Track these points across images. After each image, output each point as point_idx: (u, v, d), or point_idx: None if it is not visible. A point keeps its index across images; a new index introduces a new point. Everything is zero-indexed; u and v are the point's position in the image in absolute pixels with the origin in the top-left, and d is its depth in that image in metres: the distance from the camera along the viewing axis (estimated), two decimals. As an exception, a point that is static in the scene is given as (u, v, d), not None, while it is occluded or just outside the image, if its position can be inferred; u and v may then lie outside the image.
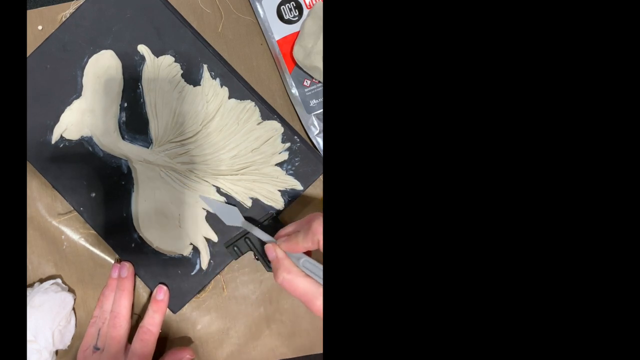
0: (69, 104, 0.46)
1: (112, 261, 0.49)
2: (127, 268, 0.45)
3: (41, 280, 0.48)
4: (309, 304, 0.35)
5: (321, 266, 0.36)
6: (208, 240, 0.46)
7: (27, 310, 0.44)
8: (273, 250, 0.38)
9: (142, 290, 0.49)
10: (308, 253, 0.39)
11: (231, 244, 0.46)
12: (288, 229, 0.40)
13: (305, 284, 0.36)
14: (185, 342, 0.49)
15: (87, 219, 0.46)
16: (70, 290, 0.48)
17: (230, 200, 0.46)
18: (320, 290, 0.35)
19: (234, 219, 0.45)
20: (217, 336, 0.49)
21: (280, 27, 0.48)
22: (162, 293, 0.45)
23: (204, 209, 0.46)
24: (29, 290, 0.46)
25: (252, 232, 0.42)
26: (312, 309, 0.35)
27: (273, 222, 0.46)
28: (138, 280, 0.48)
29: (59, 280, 0.48)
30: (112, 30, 0.46)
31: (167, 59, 0.46)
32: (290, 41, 0.48)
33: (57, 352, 0.47)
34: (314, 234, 0.35)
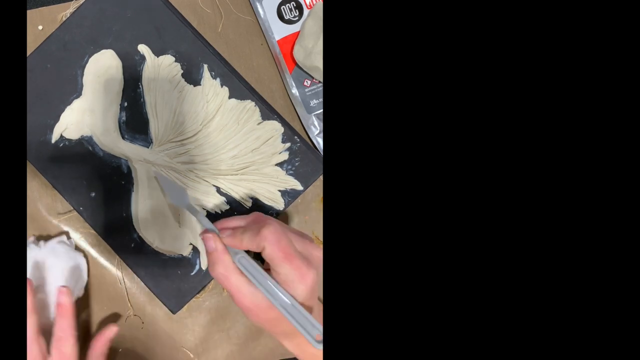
0: (69, 103, 0.46)
1: (108, 264, 0.49)
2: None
3: (44, 238, 0.48)
4: (237, 298, 0.36)
5: (257, 265, 0.36)
6: (208, 240, 0.46)
7: (41, 273, 0.45)
8: (213, 242, 0.37)
9: (137, 291, 0.49)
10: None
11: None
12: (232, 222, 0.39)
13: (238, 282, 0.36)
14: (185, 342, 0.49)
15: (87, 219, 0.46)
16: (77, 248, 0.49)
17: (230, 201, 0.46)
18: (251, 288, 0.36)
19: (179, 199, 0.44)
20: (217, 336, 0.49)
21: (281, 27, 0.48)
22: (62, 295, 0.43)
23: (204, 209, 0.46)
24: (33, 247, 0.46)
25: (197, 217, 0.41)
26: (238, 303, 0.36)
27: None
28: (134, 281, 0.48)
29: (64, 238, 0.48)
30: (112, 29, 0.46)
31: (168, 59, 0.46)
32: (290, 41, 0.48)
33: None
34: (262, 240, 0.35)
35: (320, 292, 0.38)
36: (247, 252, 0.38)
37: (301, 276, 0.35)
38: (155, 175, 0.46)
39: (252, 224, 0.38)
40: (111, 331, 0.45)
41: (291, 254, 0.35)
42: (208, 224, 0.39)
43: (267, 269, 0.37)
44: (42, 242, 0.47)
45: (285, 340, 0.38)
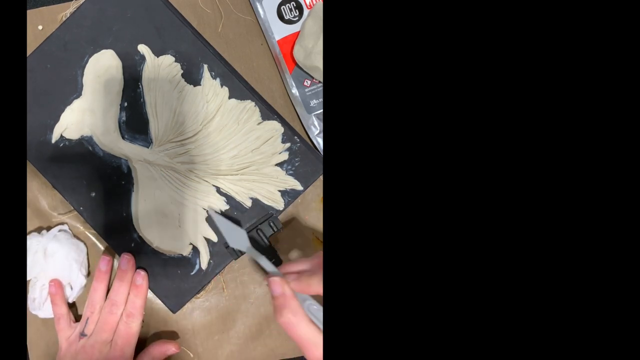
0: (69, 103, 0.46)
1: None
2: (128, 260, 0.46)
3: (48, 229, 0.49)
4: (307, 351, 0.34)
5: None
6: (208, 240, 0.46)
7: (45, 258, 0.46)
8: (280, 286, 0.35)
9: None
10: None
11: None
12: (297, 266, 0.37)
13: (308, 331, 0.34)
14: (185, 342, 0.49)
15: (87, 219, 0.46)
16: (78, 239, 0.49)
17: (230, 201, 0.46)
18: (322, 339, 0.33)
19: (239, 242, 0.42)
20: (217, 336, 0.49)
21: (281, 27, 0.48)
22: (140, 278, 0.46)
23: (204, 209, 0.46)
24: (35, 236, 0.47)
25: (258, 260, 0.39)
26: (308, 357, 0.34)
27: (272, 224, 0.46)
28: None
29: (66, 227, 0.49)
30: (112, 29, 0.46)
31: (168, 59, 0.46)
32: (290, 41, 0.48)
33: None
34: None
35: None
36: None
37: None
38: (210, 215, 0.44)
39: (315, 266, 0.36)
40: (171, 349, 0.47)
41: None
42: (272, 268, 0.37)
43: None
44: (44, 231, 0.48)
45: None
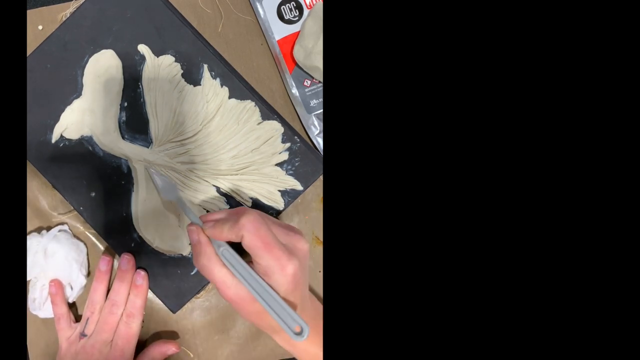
0: (69, 103, 0.46)
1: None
2: (128, 260, 0.46)
3: (48, 229, 0.49)
4: (221, 291, 0.36)
5: (239, 257, 0.36)
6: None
7: (45, 259, 0.46)
8: (197, 234, 0.38)
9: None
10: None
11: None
12: (216, 215, 0.39)
13: (220, 272, 0.36)
14: (185, 342, 0.49)
15: (87, 219, 0.46)
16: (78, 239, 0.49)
17: (230, 201, 0.46)
18: (235, 281, 0.36)
19: (170, 193, 0.44)
20: (217, 336, 0.49)
21: (281, 27, 0.48)
22: (140, 278, 0.46)
23: (204, 209, 0.46)
24: (35, 237, 0.47)
25: (183, 210, 0.42)
26: (223, 296, 0.36)
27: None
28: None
29: (66, 227, 0.49)
30: (112, 29, 0.46)
31: (168, 59, 0.46)
32: (290, 41, 0.48)
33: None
34: (240, 229, 0.35)
35: (306, 288, 0.38)
36: (232, 246, 0.38)
37: (281, 267, 0.35)
38: (147, 170, 0.46)
39: (233, 215, 0.38)
40: (171, 349, 0.47)
41: (270, 243, 0.35)
42: (193, 217, 0.40)
43: (250, 261, 0.37)
44: (44, 231, 0.48)
45: (275, 334, 0.38)
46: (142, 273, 0.46)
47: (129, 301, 0.45)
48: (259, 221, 0.36)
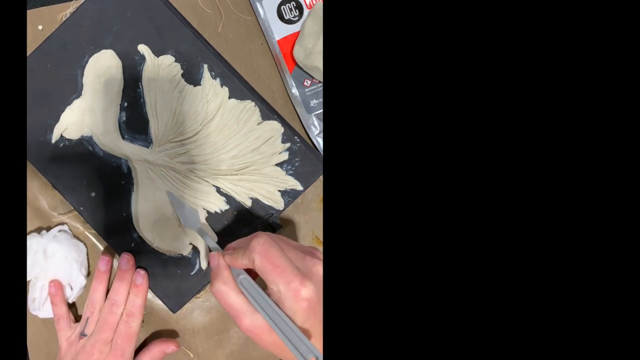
0: (69, 103, 0.46)
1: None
2: (128, 260, 0.46)
3: (48, 229, 0.49)
4: (237, 320, 0.35)
5: (256, 285, 0.35)
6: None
7: (44, 259, 0.46)
8: (216, 259, 0.37)
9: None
10: (252, 274, 0.38)
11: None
12: (235, 243, 0.39)
13: (236, 300, 0.35)
14: (185, 342, 0.49)
15: (87, 219, 0.46)
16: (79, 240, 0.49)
17: (230, 201, 0.46)
18: (251, 309, 0.34)
19: (192, 223, 0.45)
20: (217, 336, 0.49)
21: (281, 27, 0.48)
22: (140, 277, 0.46)
23: (204, 209, 0.46)
24: (35, 237, 0.47)
25: (203, 238, 0.43)
26: (239, 326, 0.35)
27: (271, 224, 0.46)
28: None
29: (66, 227, 0.49)
30: (112, 29, 0.46)
31: (168, 59, 0.46)
32: (290, 41, 0.48)
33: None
34: (250, 252, 0.35)
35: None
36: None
37: (294, 292, 0.33)
38: (168, 194, 0.46)
39: (246, 243, 0.37)
40: (171, 347, 0.47)
41: (280, 265, 0.34)
42: (214, 245, 0.41)
43: (267, 288, 0.36)
44: (44, 231, 0.48)
45: None
46: (142, 272, 0.46)
47: (129, 300, 0.45)
48: (269, 243, 0.35)
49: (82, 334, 0.45)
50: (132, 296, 0.45)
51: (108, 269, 0.47)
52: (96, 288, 0.46)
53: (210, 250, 0.40)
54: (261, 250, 0.34)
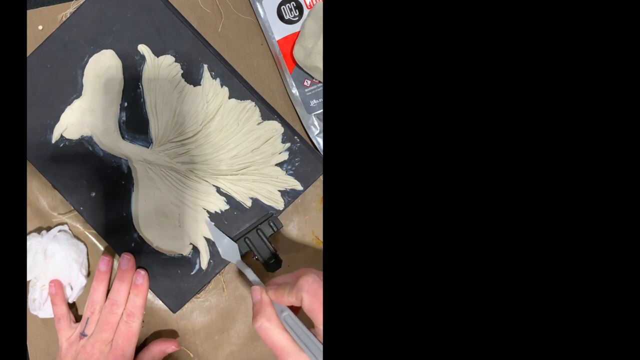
0: (69, 103, 0.46)
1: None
2: (128, 260, 0.46)
3: (48, 229, 0.49)
4: (281, 359, 0.35)
5: (302, 325, 0.35)
6: (208, 240, 0.46)
7: (44, 259, 0.46)
8: (259, 294, 0.37)
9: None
10: (295, 310, 0.38)
11: (231, 244, 0.46)
12: (279, 279, 0.39)
13: (281, 338, 0.35)
14: (185, 342, 0.49)
15: (87, 219, 0.46)
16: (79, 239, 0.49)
17: (230, 201, 0.46)
18: (296, 348, 0.34)
19: (231, 255, 0.45)
20: (217, 336, 0.49)
21: (281, 27, 0.48)
22: (140, 277, 0.45)
23: (204, 209, 0.46)
24: (35, 237, 0.47)
25: (244, 271, 0.43)
26: None
27: (272, 224, 0.46)
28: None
29: (66, 227, 0.49)
30: (112, 30, 0.46)
31: (168, 59, 0.46)
32: (290, 41, 0.48)
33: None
34: (299, 290, 0.34)
35: None
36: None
37: None
38: (208, 224, 0.46)
39: (292, 279, 0.37)
40: (171, 347, 0.47)
41: None
42: (256, 278, 0.40)
43: (312, 327, 0.35)
44: (44, 232, 0.48)
45: None
46: (142, 272, 0.46)
47: (129, 300, 0.45)
48: (318, 282, 0.34)
49: (83, 334, 0.45)
50: (132, 296, 0.45)
51: (108, 269, 0.47)
52: (96, 288, 0.46)
53: (251, 284, 0.39)
54: (310, 289, 0.34)
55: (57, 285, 0.46)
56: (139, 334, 0.45)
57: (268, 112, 0.46)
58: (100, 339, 0.44)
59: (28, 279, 0.47)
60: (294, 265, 0.49)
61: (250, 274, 0.42)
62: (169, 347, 0.47)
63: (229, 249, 0.45)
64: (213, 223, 0.46)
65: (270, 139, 0.46)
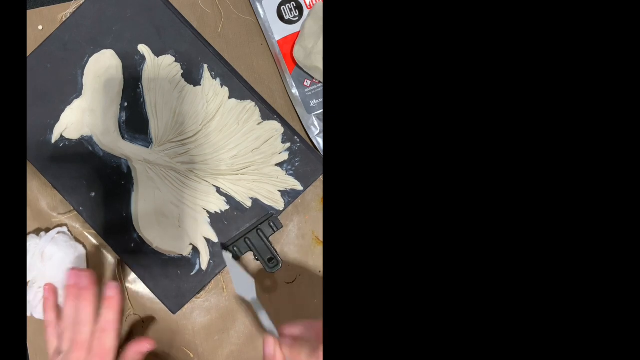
0: (69, 103, 0.46)
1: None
2: (86, 277, 0.43)
3: (46, 230, 0.48)
4: None
5: None
6: (208, 240, 0.46)
7: (42, 262, 0.45)
8: (272, 347, 0.36)
9: (137, 290, 0.49)
10: None
11: (231, 244, 0.46)
12: (294, 329, 0.37)
13: None
14: (185, 342, 0.49)
15: (87, 219, 0.46)
16: (77, 240, 0.49)
17: (230, 201, 0.46)
18: None
19: (246, 290, 0.44)
20: (217, 336, 0.49)
21: (281, 27, 0.48)
22: (110, 289, 0.43)
23: (204, 209, 0.46)
24: (33, 239, 0.47)
25: (258, 313, 0.41)
26: None
27: (272, 224, 0.46)
28: (134, 280, 0.48)
29: (65, 229, 0.49)
30: (112, 29, 0.46)
31: (168, 59, 0.46)
32: (290, 41, 0.48)
33: None
34: (320, 357, 0.32)
35: None
36: None
37: None
38: (226, 260, 0.45)
39: (312, 335, 0.35)
40: (145, 346, 0.44)
41: None
42: (270, 325, 0.39)
43: None
44: (42, 233, 0.48)
45: None
46: (114, 284, 0.43)
47: (100, 316, 0.43)
48: None
49: (59, 351, 0.43)
50: (104, 310, 0.43)
51: (80, 284, 0.44)
52: (66, 302, 0.44)
53: (262, 326, 0.37)
54: None
55: (50, 290, 0.45)
56: (116, 348, 0.43)
57: (268, 112, 0.46)
58: (73, 357, 0.42)
59: None
60: (294, 265, 0.49)
61: (265, 319, 0.39)
62: (143, 346, 0.44)
63: (246, 284, 0.44)
64: (231, 255, 0.45)
65: (270, 139, 0.46)
